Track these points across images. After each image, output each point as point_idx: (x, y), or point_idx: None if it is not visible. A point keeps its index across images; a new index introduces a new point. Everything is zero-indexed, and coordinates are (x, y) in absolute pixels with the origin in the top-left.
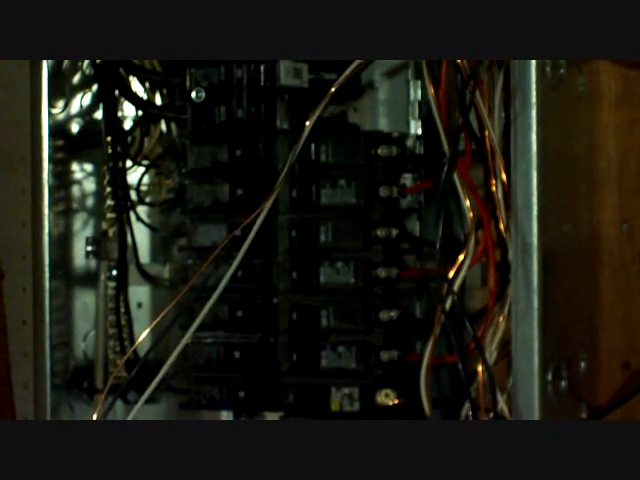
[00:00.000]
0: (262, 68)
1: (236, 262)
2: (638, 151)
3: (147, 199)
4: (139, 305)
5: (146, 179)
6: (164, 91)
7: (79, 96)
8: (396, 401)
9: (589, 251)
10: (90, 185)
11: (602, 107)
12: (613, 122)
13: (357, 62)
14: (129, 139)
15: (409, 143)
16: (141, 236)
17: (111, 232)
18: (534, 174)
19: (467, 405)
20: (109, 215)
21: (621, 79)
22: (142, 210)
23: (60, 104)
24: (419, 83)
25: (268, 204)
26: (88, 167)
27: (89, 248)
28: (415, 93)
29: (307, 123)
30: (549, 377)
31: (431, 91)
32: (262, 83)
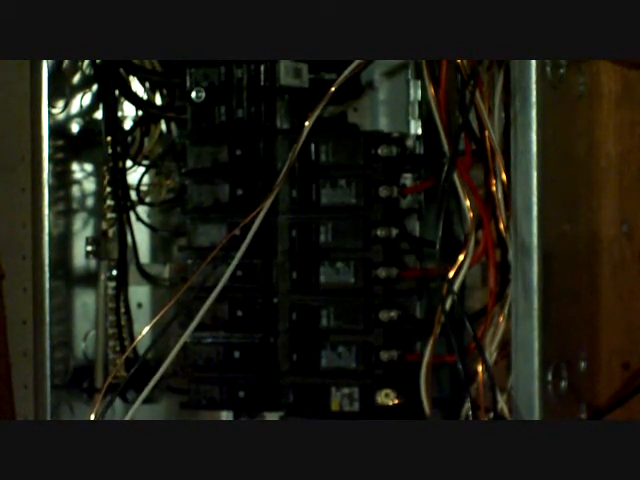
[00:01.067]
0: (262, 68)
1: (235, 262)
2: (638, 152)
3: (147, 199)
4: (139, 305)
5: (146, 179)
6: (164, 91)
7: (79, 96)
8: (396, 401)
9: (589, 251)
10: (90, 185)
11: (602, 107)
12: (613, 122)
13: (357, 62)
14: (129, 139)
15: (409, 143)
16: (141, 236)
17: (111, 232)
18: (534, 174)
19: (467, 405)
20: (109, 215)
21: (621, 79)
22: (142, 210)
23: (60, 104)
24: (419, 83)
25: (267, 204)
26: (88, 167)
27: (89, 248)
28: (415, 93)
29: (307, 123)
30: (549, 377)
31: (431, 91)
32: (262, 83)
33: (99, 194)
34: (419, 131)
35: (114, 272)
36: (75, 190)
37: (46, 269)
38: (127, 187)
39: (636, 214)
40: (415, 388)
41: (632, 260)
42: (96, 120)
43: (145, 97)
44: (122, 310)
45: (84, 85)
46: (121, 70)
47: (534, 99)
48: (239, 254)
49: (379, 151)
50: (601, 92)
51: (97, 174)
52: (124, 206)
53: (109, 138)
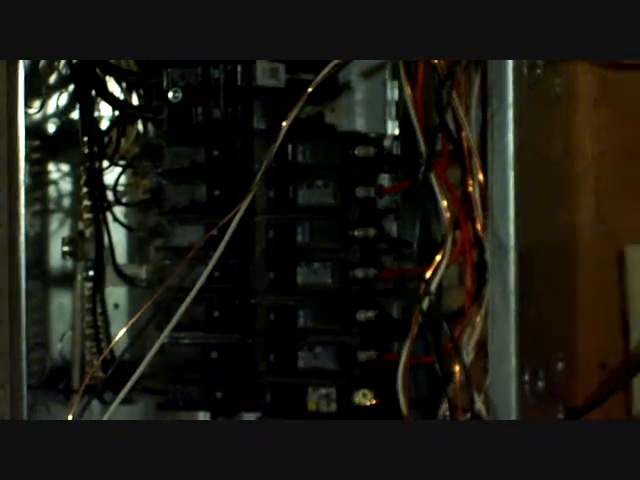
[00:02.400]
0: (239, 68)
1: (212, 262)
2: (615, 152)
3: (124, 199)
4: (116, 306)
5: (123, 179)
6: (141, 91)
7: (55, 96)
8: (374, 401)
9: (566, 251)
10: (67, 185)
11: (579, 108)
12: (590, 123)
13: (334, 62)
14: (106, 139)
15: (386, 143)
16: (118, 236)
17: (88, 232)
18: (511, 174)
19: (444, 405)
20: (86, 215)
21: (598, 80)
22: (119, 210)
23: (36, 104)
24: (396, 83)
25: (245, 204)
26: (65, 167)
27: (66, 248)
28: (392, 93)
29: (284, 124)
30: (526, 377)
31: (408, 91)
32: (239, 83)
33: (76, 194)
34: (396, 131)
35: (91, 273)
36: (51, 190)
37: (22, 270)
38: (104, 187)
39: (613, 215)
40: (393, 388)
41: (609, 261)
42: (72, 120)
43: (122, 97)
44: (99, 311)
45: (60, 85)
46: (98, 70)
47: (511, 100)
48: (216, 255)
49: (356, 152)
50: (578, 93)
51: (74, 174)
52: (101, 206)
53: (86, 138)
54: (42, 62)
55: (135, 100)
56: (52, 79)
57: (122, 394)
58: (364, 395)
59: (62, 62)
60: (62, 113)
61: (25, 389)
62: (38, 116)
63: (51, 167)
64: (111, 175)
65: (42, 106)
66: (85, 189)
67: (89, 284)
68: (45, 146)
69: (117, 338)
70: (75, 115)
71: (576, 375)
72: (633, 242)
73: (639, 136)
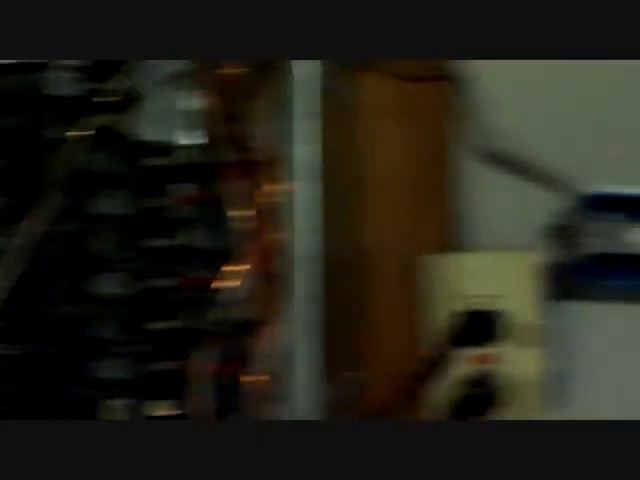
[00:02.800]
0: (33, 75)
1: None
2: (405, 164)
3: None
4: None
5: None
6: None
7: None
8: (170, 412)
9: (359, 264)
10: None
11: (372, 119)
12: (385, 133)
13: (128, 70)
14: None
15: (180, 153)
16: None
17: None
18: (306, 185)
19: (240, 415)
20: None
21: (392, 91)
22: None
23: None
24: (191, 92)
25: (37, 214)
26: None
27: None
28: (187, 102)
29: (77, 132)
30: (326, 387)
31: (203, 100)
32: (32, 91)
33: None
34: (192, 141)
35: None
36: None
37: None
38: None
39: (401, 229)
40: (189, 398)
41: (404, 271)
42: None
43: None
44: None
45: None
46: None
47: (307, 109)
48: (6, 265)
49: (149, 161)
50: (373, 104)
51: None
52: None
53: None
54: None
55: None
56: None
57: None
58: (160, 406)
59: None
60: None
61: None
62: None
63: None
64: None
65: None
66: None
67: None
68: None
69: None
70: None
71: (373, 385)
72: (427, 253)
73: (432, 147)
